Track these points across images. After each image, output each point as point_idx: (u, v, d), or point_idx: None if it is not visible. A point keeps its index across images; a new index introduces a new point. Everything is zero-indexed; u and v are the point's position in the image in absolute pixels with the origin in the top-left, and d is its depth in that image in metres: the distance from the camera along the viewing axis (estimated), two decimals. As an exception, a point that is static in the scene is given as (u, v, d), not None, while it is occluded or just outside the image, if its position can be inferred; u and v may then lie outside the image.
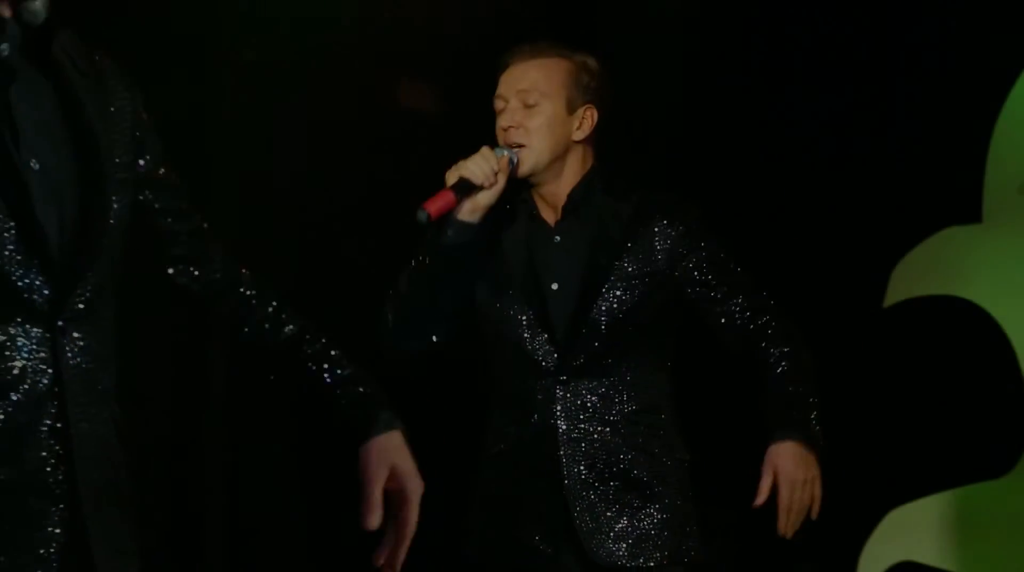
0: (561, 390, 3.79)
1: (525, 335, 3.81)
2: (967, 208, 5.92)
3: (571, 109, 3.86)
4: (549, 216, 3.89)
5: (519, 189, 3.89)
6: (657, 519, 3.80)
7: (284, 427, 6.04)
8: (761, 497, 3.66)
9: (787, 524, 3.67)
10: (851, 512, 5.96)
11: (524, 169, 3.83)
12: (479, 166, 3.73)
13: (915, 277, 5.95)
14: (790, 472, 3.68)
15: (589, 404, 3.79)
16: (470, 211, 3.75)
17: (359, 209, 5.98)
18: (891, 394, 5.94)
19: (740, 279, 3.90)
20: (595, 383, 3.80)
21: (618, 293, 3.81)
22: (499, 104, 3.88)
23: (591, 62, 3.89)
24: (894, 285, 5.97)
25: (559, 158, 3.85)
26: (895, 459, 5.93)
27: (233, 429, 5.94)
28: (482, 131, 5.18)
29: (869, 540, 5.94)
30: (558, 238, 3.87)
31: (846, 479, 5.98)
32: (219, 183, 5.97)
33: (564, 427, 3.78)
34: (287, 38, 5.89)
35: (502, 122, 3.85)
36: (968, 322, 5.89)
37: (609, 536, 3.75)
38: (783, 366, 3.83)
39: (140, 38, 5.78)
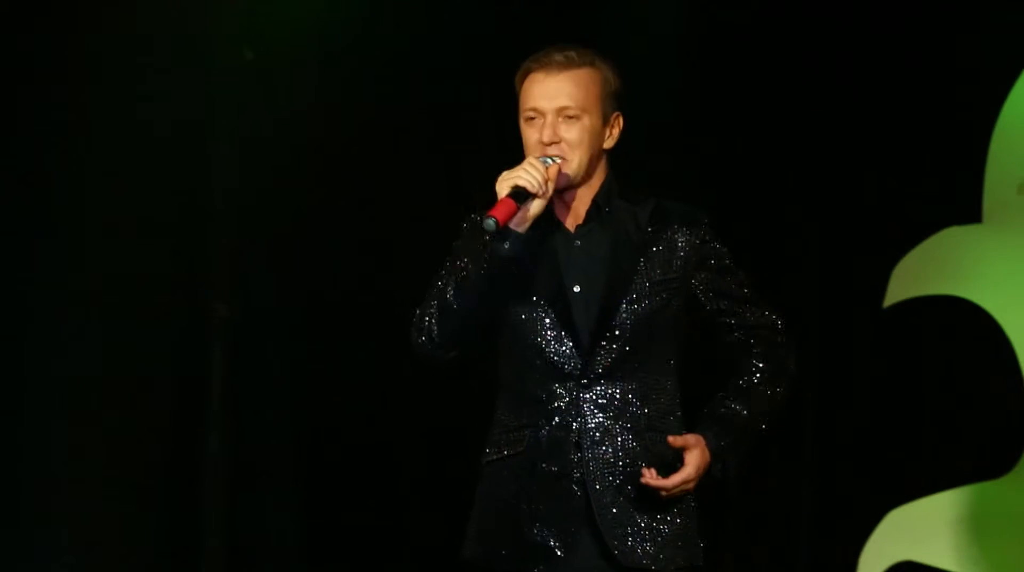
0: (584, 394, 3.80)
1: (548, 338, 3.81)
2: (967, 208, 5.92)
3: (605, 120, 3.86)
4: (569, 221, 3.89)
5: None
6: (677, 524, 3.81)
7: (284, 427, 6.04)
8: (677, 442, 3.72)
9: (653, 479, 3.70)
10: (851, 512, 5.96)
11: (566, 181, 3.83)
12: (531, 175, 3.73)
13: (915, 277, 5.95)
14: (692, 470, 3.72)
15: (612, 409, 3.80)
16: (521, 221, 3.75)
17: (360, 207, 5.98)
18: (891, 394, 5.94)
19: (749, 294, 3.90)
20: (616, 388, 3.80)
21: (641, 297, 3.82)
22: (531, 115, 3.85)
23: (613, 67, 3.89)
24: (894, 285, 5.96)
25: (592, 167, 3.86)
26: (895, 459, 5.93)
27: (233, 428, 5.93)
28: (483, 126, 5.16)
29: (869, 540, 5.94)
30: (579, 242, 3.87)
31: (846, 479, 6.00)
32: (220, 182, 5.96)
33: (588, 431, 3.78)
34: (287, 38, 5.89)
35: (543, 137, 3.81)
36: (968, 322, 5.89)
37: (635, 538, 3.76)
38: (754, 381, 3.84)
39: (141, 38, 5.78)
